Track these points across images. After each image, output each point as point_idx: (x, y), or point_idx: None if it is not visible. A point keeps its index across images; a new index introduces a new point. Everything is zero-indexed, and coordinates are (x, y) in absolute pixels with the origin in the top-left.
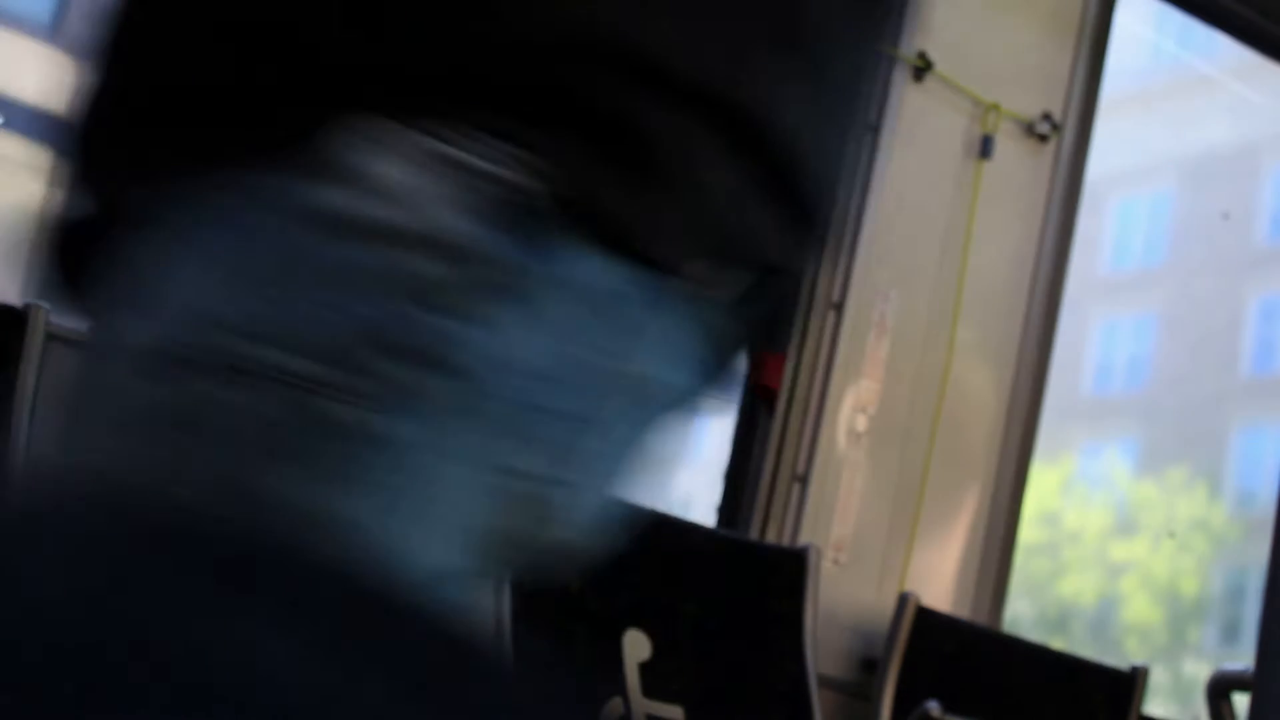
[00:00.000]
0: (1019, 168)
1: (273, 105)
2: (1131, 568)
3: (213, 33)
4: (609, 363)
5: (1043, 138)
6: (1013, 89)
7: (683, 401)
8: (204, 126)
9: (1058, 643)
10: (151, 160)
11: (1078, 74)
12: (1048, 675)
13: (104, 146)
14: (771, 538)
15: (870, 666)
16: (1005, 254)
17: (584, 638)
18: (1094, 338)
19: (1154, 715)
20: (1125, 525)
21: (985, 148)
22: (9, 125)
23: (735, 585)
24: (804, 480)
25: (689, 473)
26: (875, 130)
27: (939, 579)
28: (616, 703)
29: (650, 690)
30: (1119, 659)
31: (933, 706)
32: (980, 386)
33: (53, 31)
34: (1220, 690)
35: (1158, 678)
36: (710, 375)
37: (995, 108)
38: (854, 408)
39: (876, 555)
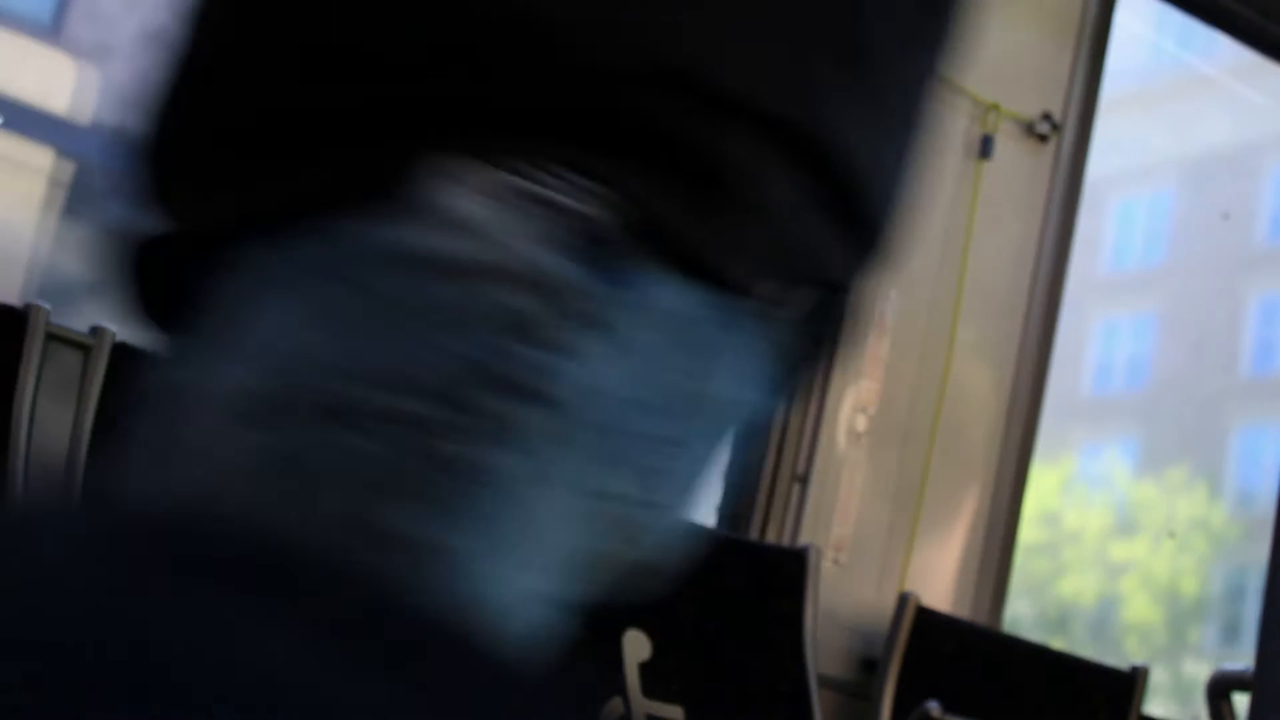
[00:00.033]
0: (1019, 168)
1: (357, 139)
2: (1131, 568)
3: (297, 56)
4: (691, 384)
5: (1043, 138)
6: (1013, 89)
7: (751, 417)
8: (288, 157)
9: (1058, 643)
10: (235, 187)
11: (1078, 74)
12: (1048, 675)
13: (184, 166)
14: (771, 538)
15: (870, 666)
16: (1005, 254)
17: (584, 638)
18: (1094, 338)
19: (1154, 715)
20: (1125, 525)
21: (985, 148)
22: (9, 125)
23: (735, 585)
24: (804, 480)
25: None
26: None
27: (939, 579)
28: (616, 703)
29: (650, 690)
30: (1119, 659)
31: (933, 706)
32: (980, 386)
33: (53, 31)
34: (1220, 690)
35: (1158, 678)
36: (777, 391)
37: (995, 108)
38: (854, 408)
39: (876, 555)
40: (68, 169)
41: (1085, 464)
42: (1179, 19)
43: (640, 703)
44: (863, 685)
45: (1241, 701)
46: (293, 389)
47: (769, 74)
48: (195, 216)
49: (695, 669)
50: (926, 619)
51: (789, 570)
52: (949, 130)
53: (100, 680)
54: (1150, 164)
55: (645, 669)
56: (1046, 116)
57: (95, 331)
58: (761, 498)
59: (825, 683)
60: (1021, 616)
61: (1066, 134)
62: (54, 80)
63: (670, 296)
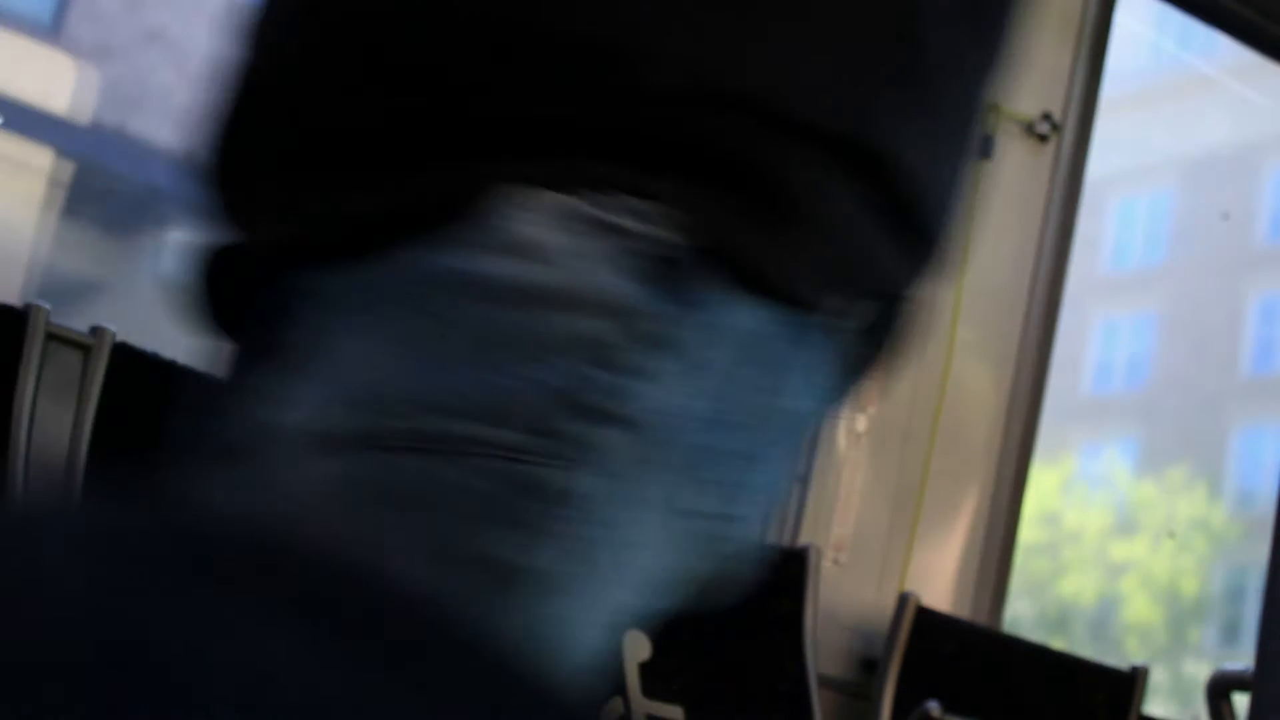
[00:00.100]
0: (1019, 168)
1: (426, 162)
2: (1131, 568)
3: (364, 78)
4: (764, 400)
5: (1043, 138)
6: (1013, 89)
7: (815, 426)
8: (354, 178)
9: (1058, 643)
10: (303, 208)
11: (1078, 74)
12: (1048, 675)
13: (252, 187)
14: (771, 538)
15: (870, 666)
16: (1005, 254)
17: None
18: (1094, 338)
19: (1154, 715)
20: (1125, 525)
21: (985, 148)
22: (9, 125)
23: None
24: (804, 480)
25: None
26: None
27: (939, 579)
28: (616, 703)
29: (650, 690)
30: (1119, 659)
31: (933, 706)
32: (980, 386)
33: (53, 31)
34: (1220, 690)
35: (1158, 678)
36: (840, 400)
37: (995, 108)
38: (854, 408)
39: (876, 555)
40: (68, 169)
41: (1085, 464)
42: (1179, 19)
43: (640, 703)
44: (863, 685)
45: (1241, 701)
46: (374, 419)
47: (831, 93)
48: (264, 235)
49: (695, 669)
50: (926, 619)
51: (789, 570)
52: None
53: (99, 681)
54: (1150, 164)
55: (645, 669)
56: (1046, 116)
57: (95, 331)
58: None
59: (825, 683)
60: (1021, 616)
61: (1066, 134)
62: (54, 80)
63: (739, 315)
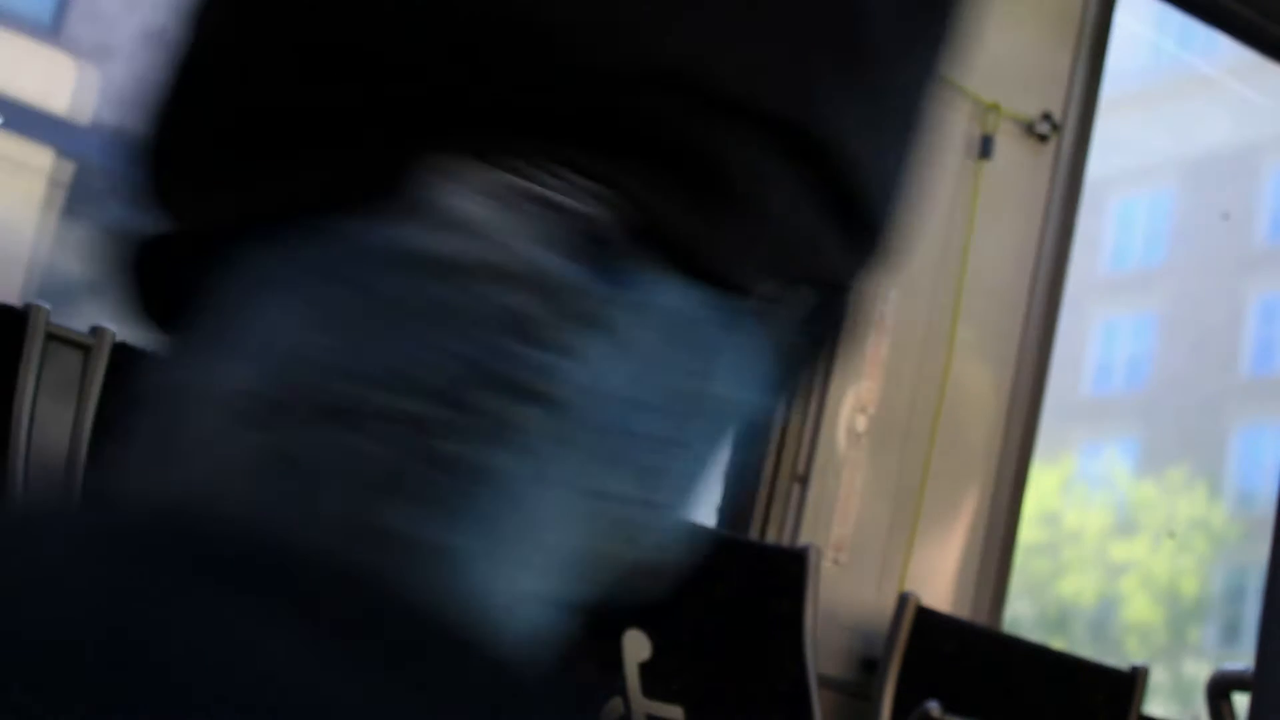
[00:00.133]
0: (1019, 168)
1: (357, 140)
2: (1131, 568)
3: (296, 54)
4: (691, 384)
5: (1043, 138)
6: (1013, 89)
7: (751, 417)
8: (288, 157)
9: (1058, 643)
10: (235, 187)
11: (1078, 74)
12: (1048, 675)
13: (184, 167)
14: (771, 538)
15: (870, 666)
16: (1005, 254)
17: (584, 638)
18: (1094, 338)
19: (1154, 715)
20: (1125, 525)
21: (985, 148)
22: (9, 125)
23: (735, 585)
24: (804, 480)
25: None
26: None
27: (939, 579)
28: (616, 703)
29: (650, 690)
30: (1119, 659)
31: (933, 706)
32: (980, 386)
33: (53, 31)
34: (1220, 690)
35: (1158, 678)
36: (778, 391)
37: (995, 108)
38: (854, 408)
39: (876, 555)
40: (68, 169)
41: (1085, 464)
42: (1179, 19)
43: (640, 703)
44: (863, 685)
45: (1241, 701)
46: (292, 388)
47: (770, 74)
48: (195, 217)
49: (695, 669)
50: (926, 619)
51: (789, 570)
52: (949, 130)
53: (100, 680)
54: (1150, 164)
55: (645, 669)
56: (1046, 116)
57: (95, 331)
58: (761, 498)
59: (825, 683)
60: (1021, 616)
61: (1066, 134)
62: (54, 80)
63: (671, 296)
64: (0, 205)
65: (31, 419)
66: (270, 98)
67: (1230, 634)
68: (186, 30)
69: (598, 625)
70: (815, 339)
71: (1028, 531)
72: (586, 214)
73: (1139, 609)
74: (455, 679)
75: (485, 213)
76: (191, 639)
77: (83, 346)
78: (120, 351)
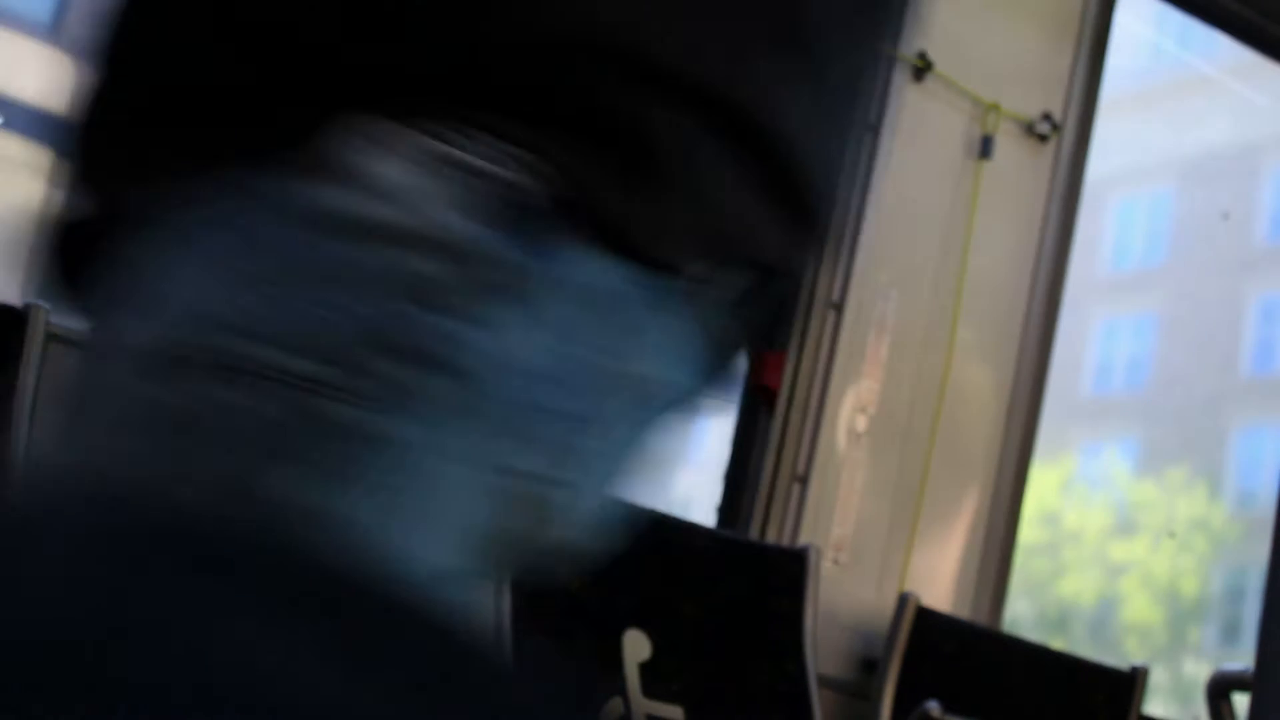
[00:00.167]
0: (1019, 168)
1: (273, 105)
2: (1131, 568)
3: (213, 31)
4: (610, 362)
5: (1043, 138)
6: (1013, 89)
7: (683, 401)
8: (204, 126)
9: (1058, 643)
10: (152, 160)
11: (1078, 74)
12: (1048, 675)
13: (104, 146)
14: (771, 538)
15: (870, 666)
16: (1005, 254)
17: (584, 638)
18: (1094, 338)
19: (1154, 715)
20: (1125, 525)
21: (985, 148)
22: (9, 125)
23: (735, 585)
24: (804, 480)
25: (689, 473)
26: (875, 130)
27: (939, 579)
28: (616, 703)
29: (650, 690)
30: (1119, 659)
31: (933, 706)
32: (980, 386)
33: (53, 31)
34: (1220, 690)
35: (1158, 678)
36: (710, 375)
37: (995, 108)
38: (854, 408)
39: (876, 555)
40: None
41: (1085, 464)
42: (1179, 19)
43: (640, 703)
44: (863, 685)
45: (1241, 701)
46: (190, 345)
47: (705, 50)
48: (119, 196)
49: (695, 669)
50: (926, 619)
51: (789, 570)
52: (949, 130)
53: (100, 680)
54: (1150, 164)
55: (645, 669)
56: (1046, 116)
57: None
58: (761, 498)
59: (825, 683)
60: (1021, 616)
61: (1066, 134)
62: (54, 80)
63: (593, 271)
64: (0, 205)
65: (31, 419)
66: (186, 74)
67: (1230, 634)
68: (108, 14)
69: (598, 625)
70: (749, 322)
71: (1028, 531)
72: (510, 182)
73: (1139, 609)
74: (454, 680)
75: (402, 176)
76: (192, 639)
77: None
78: None
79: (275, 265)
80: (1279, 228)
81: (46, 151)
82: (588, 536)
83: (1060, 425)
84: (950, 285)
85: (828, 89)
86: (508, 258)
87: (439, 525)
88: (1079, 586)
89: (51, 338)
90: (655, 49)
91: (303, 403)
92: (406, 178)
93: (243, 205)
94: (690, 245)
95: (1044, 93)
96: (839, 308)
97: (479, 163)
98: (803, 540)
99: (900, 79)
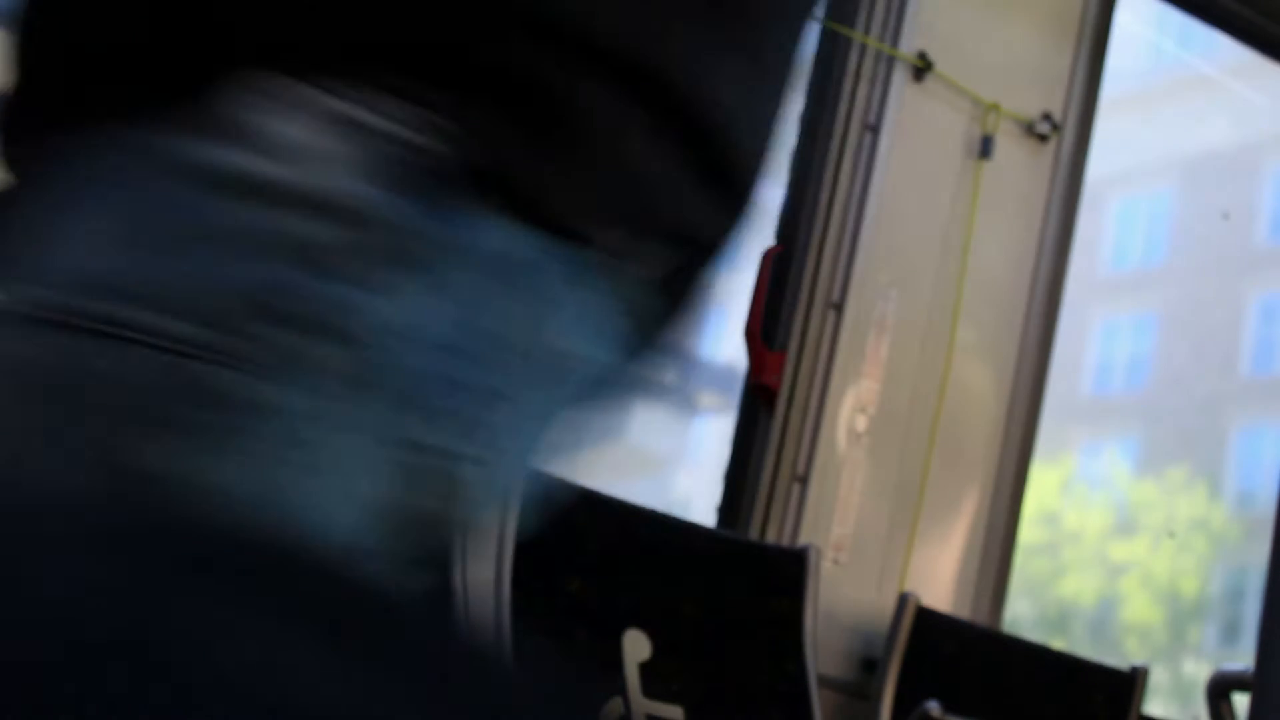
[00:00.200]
0: (1019, 168)
1: (165, 60)
2: (1131, 568)
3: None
4: (520, 335)
5: (1043, 138)
6: (1013, 89)
7: (607, 379)
8: (96, 83)
9: (1058, 643)
10: (42, 116)
11: (1078, 74)
12: (1048, 675)
13: (15, 119)
14: (771, 538)
15: (870, 666)
16: (1005, 254)
17: (584, 638)
18: (1094, 338)
19: (1154, 715)
20: (1125, 525)
21: (985, 148)
22: None
23: (735, 585)
24: (804, 480)
25: (689, 473)
26: (875, 130)
27: (939, 579)
28: (616, 703)
29: (650, 690)
30: (1119, 659)
31: (933, 706)
32: (980, 386)
33: None
34: (1220, 690)
35: (1158, 678)
36: (634, 352)
37: (995, 108)
38: (854, 408)
39: (876, 555)
40: None
41: (1085, 464)
42: (1179, 19)
43: (640, 703)
44: (863, 685)
45: (1241, 701)
46: (65, 306)
47: (628, 18)
48: (9, 154)
49: (695, 669)
50: (926, 619)
51: (789, 570)
52: (949, 130)
53: (101, 680)
54: (1150, 164)
55: (645, 669)
56: (1046, 116)
57: None
58: (761, 498)
59: (825, 683)
60: (1021, 616)
61: (1066, 134)
62: None
63: (502, 239)
64: None
65: None
66: (79, 31)
67: (1230, 634)
68: None
69: (598, 625)
70: (675, 298)
71: (1028, 531)
72: (416, 146)
73: (1139, 609)
74: (455, 681)
75: (299, 136)
76: (193, 639)
77: None
78: None
79: (156, 224)
80: (1279, 228)
81: None
82: (504, 514)
83: (1060, 425)
84: (950, 285)
85: (761, 63)
86: (410, 223)
87: (335, 499)
88: (1079, 586)
89: None
90: (576, 13)
91: (177, 367)
92: (304, 138)
93: (129, 162)
94: (606, 215)
95: (1044, 93)
96: (839, 308)
97: (383, 124)
98: (803, 540)
99: (900, 79)
